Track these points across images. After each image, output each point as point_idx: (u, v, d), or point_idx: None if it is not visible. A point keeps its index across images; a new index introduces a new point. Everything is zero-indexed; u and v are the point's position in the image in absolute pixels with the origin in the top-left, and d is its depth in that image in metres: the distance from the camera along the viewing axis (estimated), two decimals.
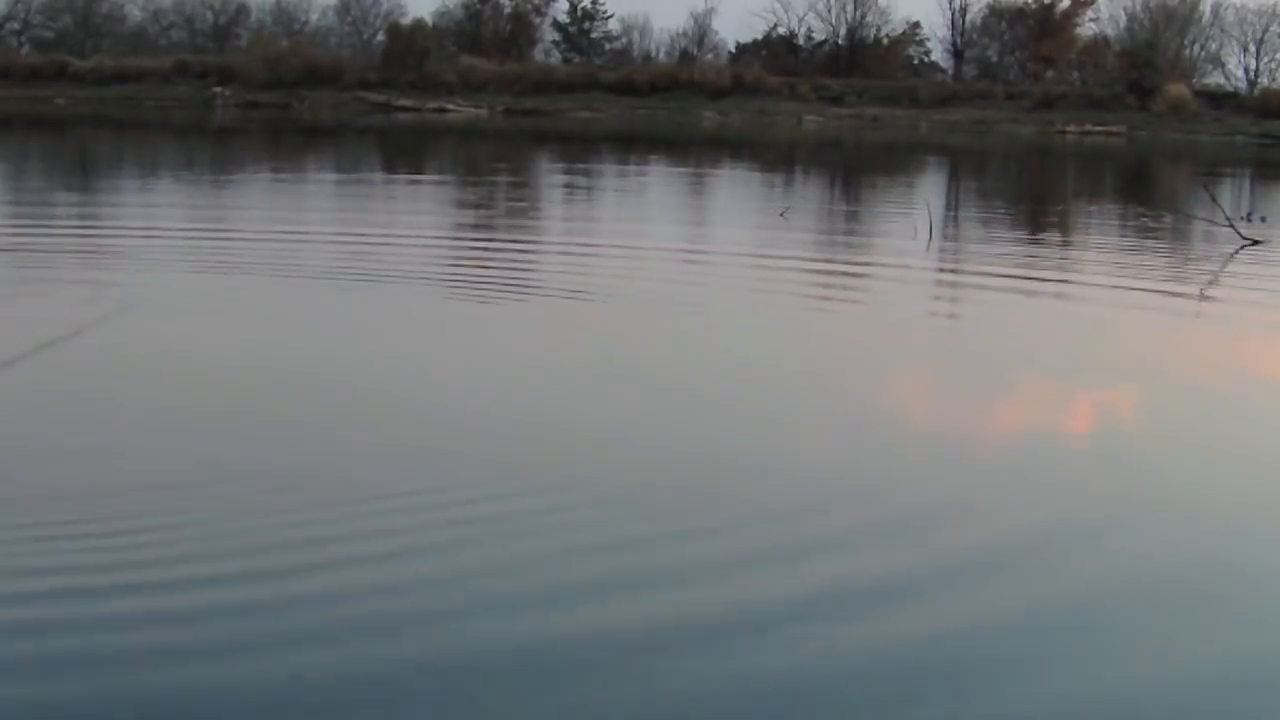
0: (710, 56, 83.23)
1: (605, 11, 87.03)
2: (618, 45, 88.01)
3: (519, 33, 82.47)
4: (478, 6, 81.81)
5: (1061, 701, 3.74)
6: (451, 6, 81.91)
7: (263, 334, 9.20)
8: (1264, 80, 78.12)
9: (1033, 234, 18.94)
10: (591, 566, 4.69)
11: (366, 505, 5.24)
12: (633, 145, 43.45)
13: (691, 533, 5.03)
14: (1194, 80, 74.88)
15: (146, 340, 8.66)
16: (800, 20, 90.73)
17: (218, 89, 71.78)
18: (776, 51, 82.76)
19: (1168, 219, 20.83)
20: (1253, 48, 79.00)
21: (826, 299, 11.43)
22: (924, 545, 4.97)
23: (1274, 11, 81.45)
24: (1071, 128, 65.04)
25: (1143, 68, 70.60)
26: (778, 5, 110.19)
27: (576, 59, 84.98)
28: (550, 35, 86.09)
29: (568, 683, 3.78)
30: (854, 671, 3.92)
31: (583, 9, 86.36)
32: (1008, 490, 5.79)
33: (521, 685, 3.76)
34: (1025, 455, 6.44)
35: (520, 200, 22.87)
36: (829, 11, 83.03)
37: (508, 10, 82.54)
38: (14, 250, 13.04)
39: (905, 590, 4.51)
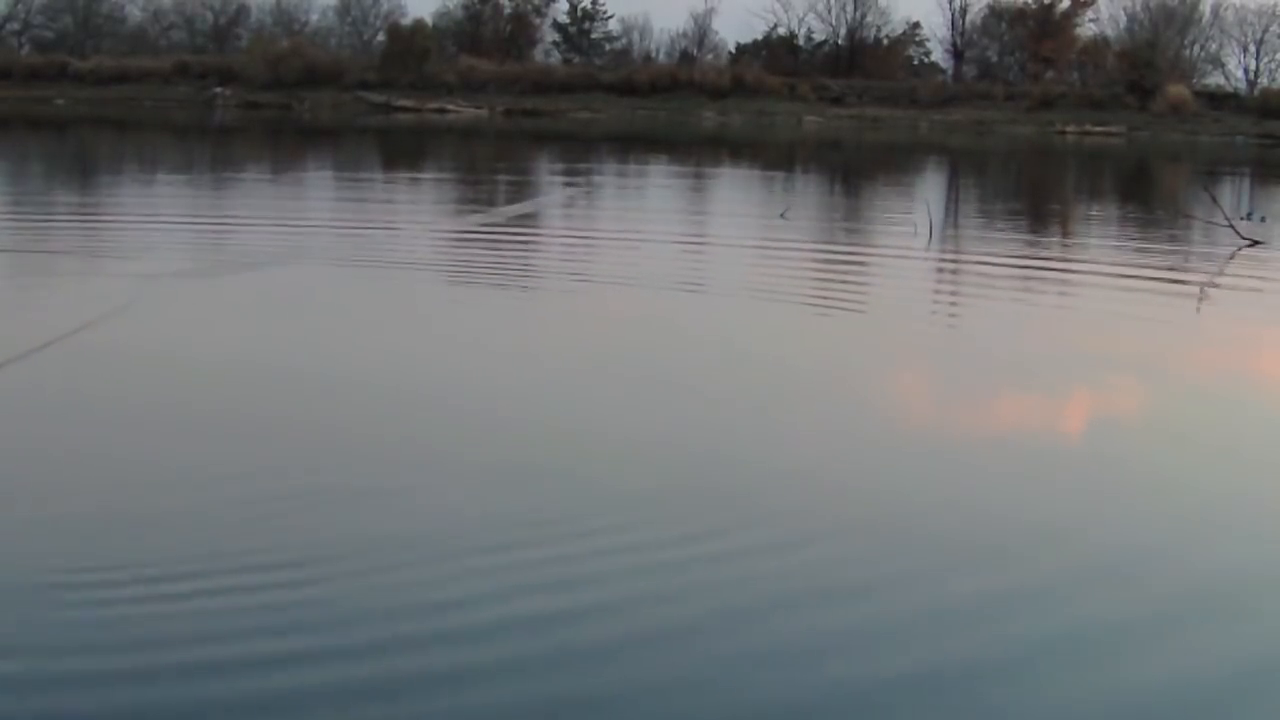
0: (710, 57, 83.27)
1: (605, 12, 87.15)
2: (618, 46, 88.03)
3: (519, 33, 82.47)
4: (478, 7, 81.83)
5: None
6: (451, 7, 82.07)
7: (290, 330, 9.16)
8: (1264, 80, 78.24)
9: (1032, 234, 18.96)
10: (807, 616, 4.29)
11: (537, 548, 4.72)
12: (633, 146, 43.45)
13: (904, 577, 4.65)
14: (1194, 80, 74.90)
15: (165, 338, 8.61)
16: (800, 20, 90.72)
17: (218, 89, 71.79)
18: (776, 52, 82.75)
19: (1169, 219, 20.85)
20: (1253, 48, 79.11)
21: (831, 301, 11.43)
22: (1134, 589, 4.66)
23: (1274, 12, 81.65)
24: (1071, 128, 65.04)
25: (1143, 68, 70.59)
26: (778, 5, 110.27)
27: (576, 59, 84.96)
28: (550, 36, 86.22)
29: None
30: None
31: (583, 9, 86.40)
32: (1199, 532, 5.36)
33: None
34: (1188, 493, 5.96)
35: (521, 200, 22.88)
36: (829, 12, 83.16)
37: (508, 10, 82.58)
38: (17, 251, 13.06)
39: (1122, 634, 4.24)
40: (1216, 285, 13.01)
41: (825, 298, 11.37)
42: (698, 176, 30.84)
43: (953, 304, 11.85)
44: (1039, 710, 3.74)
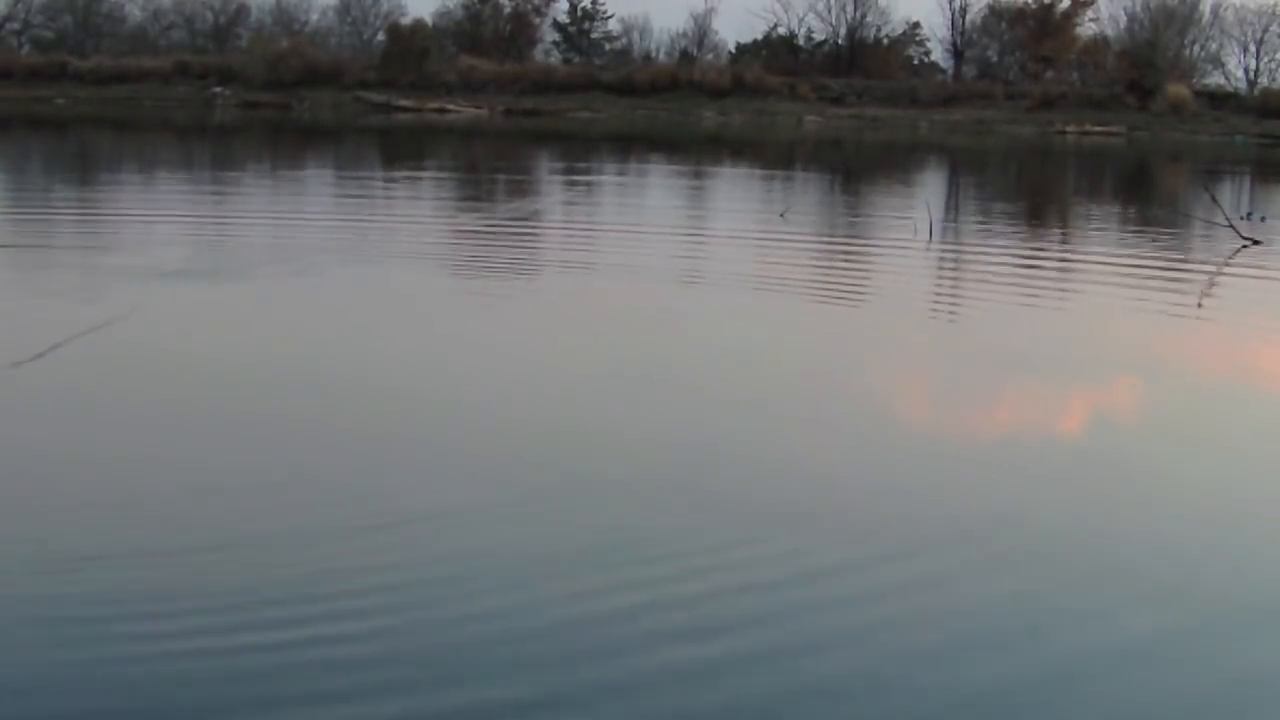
0: (710, 57, 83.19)
1: (605, 12, 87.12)
2: (618, 45, 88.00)
3: (519, 33, 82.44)
4: (478, 6, 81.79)
5: None
6: (451, 6, 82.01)
7: (306, 330, 9.15)
8: (1264, 80, 78.19)
9: (1032, 233, 18.97)
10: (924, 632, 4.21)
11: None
12: (633, 145, 43.44)
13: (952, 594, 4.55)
14: (1194, 80, 74.87)
15: (173, 339, 8.57)
16: (800, 20, 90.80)
17: (218, 89, 71.76)
18: (777, 51, 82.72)
19: (1169, 218, 20.85)
20: (1253, 48, 79.07)
21: (833, 298, 11.44)
22: (1188, 602, 4.59)
23: (1274, 12, 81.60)
24: (1071, 128, 65.02)
25: (1143, 68, 70.57)
26: (778, 5, 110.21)
27: (576, 59, 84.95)
28: (550, 35, 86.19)
29: None
30: None
31: (583, 9, 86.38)
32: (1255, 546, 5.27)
33: None
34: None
35: (523, 198, 22.89)
36: (829, 11, 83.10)
37: (508, 10, 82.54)
38: (19, 249, 13.07)
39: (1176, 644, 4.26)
40: (1217, 284, 13.02)
41: (827, 295, 11.38)
42: (698, 176, 30.84)
43: (953, 300, 11.86)
44: None
